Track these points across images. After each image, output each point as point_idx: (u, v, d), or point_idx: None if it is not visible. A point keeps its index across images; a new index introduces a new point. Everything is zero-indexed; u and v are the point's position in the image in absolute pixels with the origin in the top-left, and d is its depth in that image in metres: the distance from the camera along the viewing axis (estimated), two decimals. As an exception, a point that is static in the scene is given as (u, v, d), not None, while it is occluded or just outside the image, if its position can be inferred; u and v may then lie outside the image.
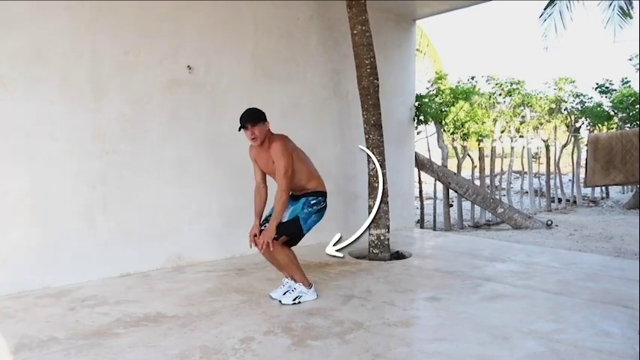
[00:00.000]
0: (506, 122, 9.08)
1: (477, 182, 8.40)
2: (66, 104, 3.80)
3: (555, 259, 4.72)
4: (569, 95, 9.52)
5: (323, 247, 5.06)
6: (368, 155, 4.80)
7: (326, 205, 3.48)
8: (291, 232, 3.32)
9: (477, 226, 8.11)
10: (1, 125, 3.54)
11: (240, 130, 3.28)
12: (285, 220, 3.31)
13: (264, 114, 3.31)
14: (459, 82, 8.19)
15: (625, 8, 8.00)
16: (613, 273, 4.17)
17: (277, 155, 3.23)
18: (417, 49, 11.83)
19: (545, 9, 8.43)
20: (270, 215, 3.39)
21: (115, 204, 4.06)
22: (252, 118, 3.25)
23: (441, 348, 2.63)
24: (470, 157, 8.54)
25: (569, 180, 11.10)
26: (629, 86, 9.47)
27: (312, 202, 3.38)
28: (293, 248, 3.44)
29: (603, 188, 11.46)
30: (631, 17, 7.85)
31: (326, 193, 3.48)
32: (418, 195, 7.55)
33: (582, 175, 9.09)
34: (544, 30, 8.40)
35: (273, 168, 3.31)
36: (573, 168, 10.42)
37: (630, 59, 9.59)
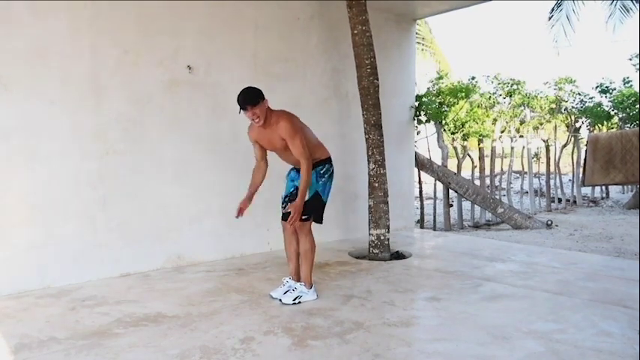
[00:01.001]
0: (506, 122, 9.09)
1: (477, 182, 8.40)
2: (66, 104, 3.81)
3: (555, 259, 4.72)
4: (570, 95, 9.53)
5: (323, 247, 5.07)
6: (368, 155, 4.80)
7: (333, 169, 3.57)
8: (316, 208, 3.44)
9: (477, 226, 8.11)
10: (1, 125, 3.54)
11: (240, 112, 3.24)
12: (306, 199, 3.36)
13: (261, 92, 3.26)
14: (459, 82, 8.19)
15: (627, 5, 8.06)
16: (613, 273, 4.17)
17: (290, 134, 3.24)
18: (425, 45, 11.91)
19: (551, 12, 8.48)
20: (293, 191, 3.45)
21: (114, 204, 4.06)
22: (251, 99, 3.20)
23: (441, 348, 2.63)
24: (470, 157, 8.54)
25: (569, 180, 11.10)
26: (630, 86, 9.47)
27: (322, 171, 3.46)
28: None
29: (603, 188, 11.47)
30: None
31: (330, 157, 3.55)
32: (418, 195, 7.54)
33: (581, 175, 9.11)
34: (554, 35, 8.48)
35: (278, 145, 3.33)
36: (573, 168, 10.43)
37: (630, 59, 9.59)
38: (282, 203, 3.56)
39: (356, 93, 4.91)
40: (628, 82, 9.54)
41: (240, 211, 3.46)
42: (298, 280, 3.54)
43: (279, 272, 4.16)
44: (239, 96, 3.23)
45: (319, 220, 3.51)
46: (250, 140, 3.50)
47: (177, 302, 3.39)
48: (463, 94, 7.36)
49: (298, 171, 3.45)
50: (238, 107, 3.23)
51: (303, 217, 3.38)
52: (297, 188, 3.43)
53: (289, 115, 3.35)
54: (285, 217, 3.46)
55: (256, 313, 3.18)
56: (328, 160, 3.53)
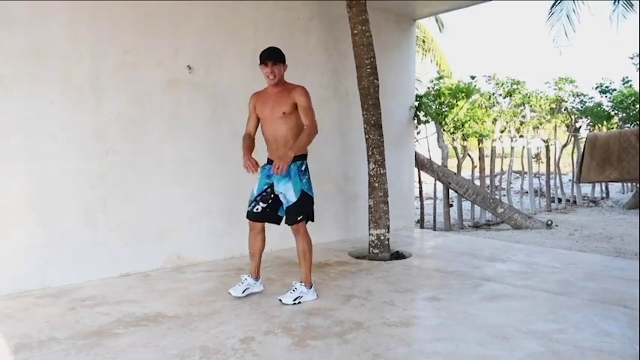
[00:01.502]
0: (506, 122, 9.08)
1: (477, 182, 8.40)
2: (66, 104, 3.81)
3: (555, 259, 4.72)
4: (570, 95, 9.53)
5: (323, 247, 5.07)
6: (368, 155, 4.80)
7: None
8: (308, 207, 3.36)
9: (477, 226, 8.11)
10: (1, 125, 3.54)
11: (260, 65, 3.30)
12: (295, 200, 3.29)
13: (284, 55, 3.32)
14: (459, 82, 8.20)
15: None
16: (613, 273, 4.17)
17: (307, 101, 3.30)
18: (424, 48, 11.88)
19: (551, 11, 8.49)
20: (267, 189, 3.37)
21: (115, 204, 4.06)
22: (276, 56, 3.27)
23: (441, 348, 2.63)
24: (470, 157, 8.54)
25: (569, 180, 11.10)
26: (630, 86, 9.47)
27: (302, 167, 3.36)
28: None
29: (603, 188, 11.48)
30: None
31: (307, 154, 3.46)
32: (418, 195, 7.55)
33: (577, 172, 9.10)
34: (554, 34, 8.51)
35: (284, 111, 3.28)
36: (573, 168, 10.43)
37: (632, 58, 9.59)
38: (252, 202, 3.43)
39: (356, 93, 4.91)
40: (627, 81, 9.54)
41: (256, 165, 3.29)
42: (257, 278, 3.54)
43: (279, 272, 4.17)
44: (264, 50, 3.29)
45: (312, 218, 3.46)
46: (249, 107, 3.47)
47: (177, 302, 3.39)
48: (464, 94, 7.36)
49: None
50: (259, 61, 3.29)
51: (299, 218, 3.34)
52: (270, 186, 3.37)
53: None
54: (253, 216, 3.40)
55: (256, 313, 3.18)
56: (305, 157, 3.43)
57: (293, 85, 3.37)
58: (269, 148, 3.44)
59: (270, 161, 3.43)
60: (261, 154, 3.51)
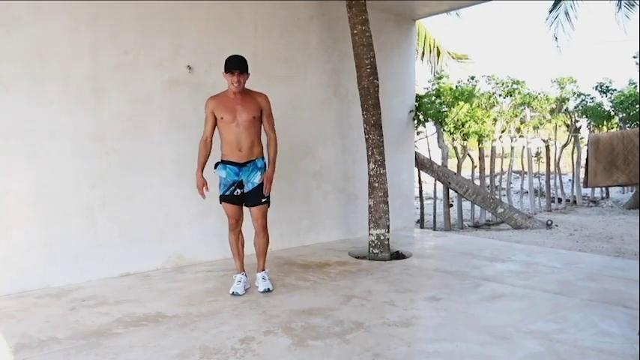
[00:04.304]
0: (507, 122, 9.08)
1: (477, 182, 8.39)
2: (66, 104, 3.81)
3: (555, 259, 4.72)
4: (570, 95, 9.52)
5: (322, 247, 5.07)
6: (368, 155, 4.80)
7: None
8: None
9: (477, 226, 8.11)
10: (1, 125, 3.54)
11: (225, 72, 3.40)
12: (259, 180, 3.54)
13: (248, 66, 3.47)
14: (459, 82, 8.18)
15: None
16: (613, 273, 4.17)
17: (269, 105, 3.54)
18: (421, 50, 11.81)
19: (550, 11, 8.50)
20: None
21: (115, 204, 4.06)
22: (244, 65, 3.39)
23: (441, 348, 2.63)
24: (470, 157, 8.54)
25: (569, 180, 11.10)
26: (635, 87, 9.45)
27: (260, 165, 3.58)
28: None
29: (603, 188, 11.46)
30: None
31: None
32: (418, 195, 7.54)
33: (582, 176, 9.08)
34: (553, 31, 8.50)
35: (251, 114, 3.44)
36: (573, 168, 10.42)
37: (635, 57, 9.58)
38: (229, 187, 3.55)
39: (356, 93, 4.91)
40: (632, 83, 9.51)
41: (206, 189, 3.61)
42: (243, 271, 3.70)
43: (280, 272, 4.17)
44: (233, 57, 3.40)
45: (269, 202, 3.69)
46: (206, 111, 3.55)
47: (177, 302, 3.39)
48: (465, 96, 7.36)
49: (239, 166, 3.51)
50: (223, 67, 3.39)
51: (263, 200, 3.57)
52: (240, 181, 3.55)
53: None
54: (234, 198, 3.55)
55: (256, 313, 3.18)
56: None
57: (255, 91, 3.55)
58: (229, 150, 3.54)
59: (230, 162, 3.54)
60: (214, 156, 3.66)
